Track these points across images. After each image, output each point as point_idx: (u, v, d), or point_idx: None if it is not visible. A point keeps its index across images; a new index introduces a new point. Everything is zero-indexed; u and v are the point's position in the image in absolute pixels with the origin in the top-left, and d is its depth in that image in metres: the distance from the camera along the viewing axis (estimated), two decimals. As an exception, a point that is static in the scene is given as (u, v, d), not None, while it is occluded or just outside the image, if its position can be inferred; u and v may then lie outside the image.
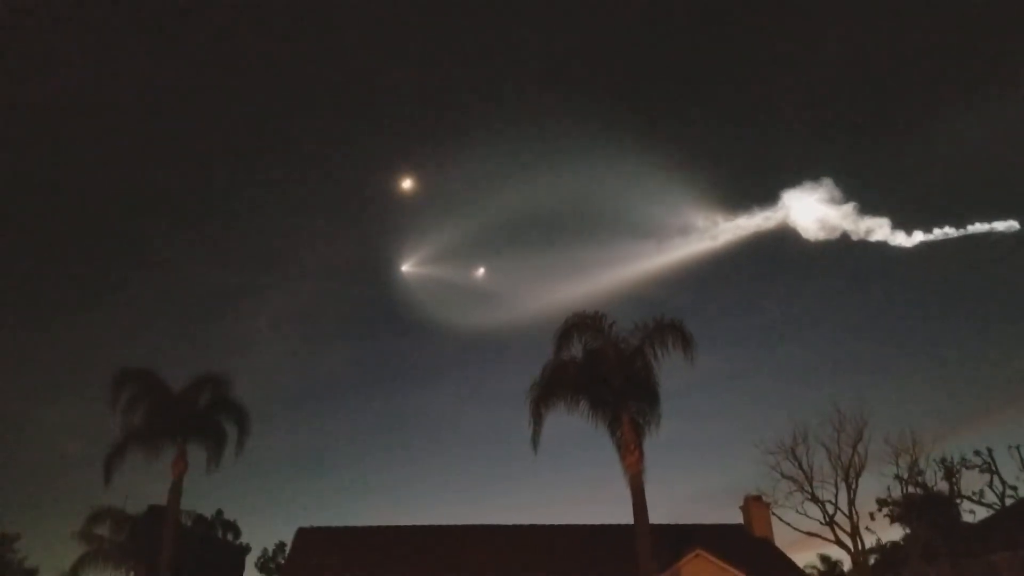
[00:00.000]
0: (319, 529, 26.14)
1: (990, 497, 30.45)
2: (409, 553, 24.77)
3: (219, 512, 35.99)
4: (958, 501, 30.33)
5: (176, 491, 20.81)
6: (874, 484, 32.09)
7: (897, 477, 29.93)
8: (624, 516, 18.86)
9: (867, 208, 43.84)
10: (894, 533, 32.09)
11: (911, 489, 29.86)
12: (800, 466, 29.96)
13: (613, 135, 48.21)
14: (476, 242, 46.57)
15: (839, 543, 29.61)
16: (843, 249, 46.31)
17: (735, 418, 54.24)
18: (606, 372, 18.84)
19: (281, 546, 37.63)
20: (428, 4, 50.91)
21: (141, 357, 47.84)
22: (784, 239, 45.30)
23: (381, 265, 52.44)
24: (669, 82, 59.34)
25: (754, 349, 55.29)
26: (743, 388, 53.11)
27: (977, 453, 30.89)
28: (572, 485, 51.51)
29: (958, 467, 30.58)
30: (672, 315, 19.25)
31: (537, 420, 18.64)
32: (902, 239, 43.66)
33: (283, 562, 32.09)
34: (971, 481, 30.67)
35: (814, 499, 29.66)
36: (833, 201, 43.20)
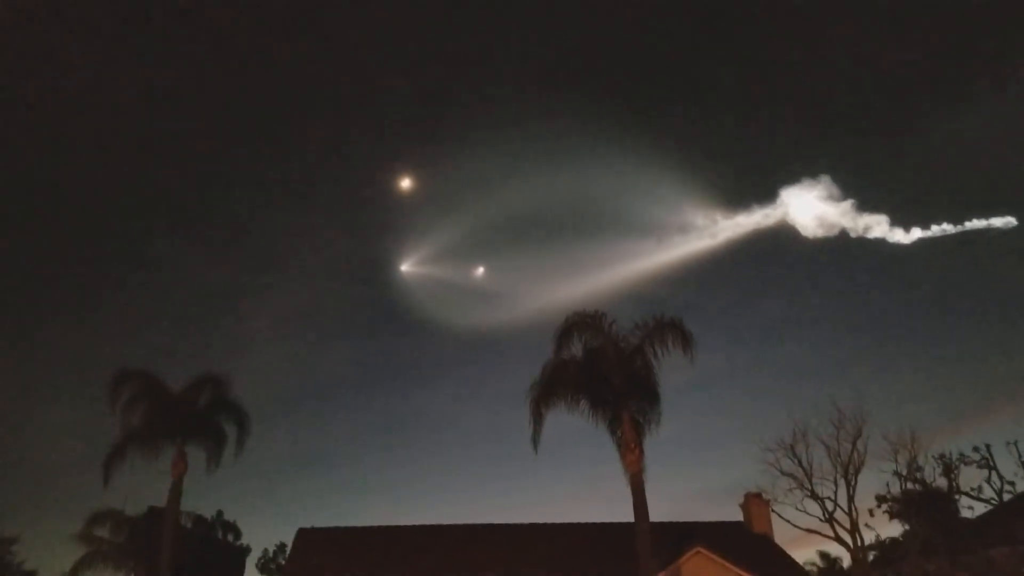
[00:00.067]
0: (319, 529, 26.12)
1: (988, 493, 30.57)
2: (409, 553, 24.78)
3: (219, 513, 35.99)
4: (957, 497, 30.43)
5: (176, 492, 20.77)
6: (873, 481, 32.17)
7: (896, 474, 30.01)
8: (624, 514, 18.92)
9: (865, 205, 43.96)
10: (893, 529, 32.20)
11: (910, 485, 29.94)
12: (799, 463, 30.03)
13: (613, 134, 48.19)
14: (476, 241, 46.56)
15: (838, 540, 29.68)
16: (842, 246, 46.41)
17: (735, 416, 54.32)
18: (606, 371, 18.87)
19: (281, 547, 37.62)
20: (428, 4, 50.87)
21: (141, 357, 47.84)
22: (783, 236, 45.36)
23: (381, 265, 52.39)
24: (668, 81, 59.37)
25: (753, 347, 55.36)
26: (743, 386, 53.13)
27: (975, 449, 30.99)
28: (572, 484, 51.56)
29: (956, 463, 30.68)
30: (672, 313, 19.32)
31: (537, 419, 18.67)
32: (900, 236, 43.79)
33: (283, 563, 32.10)
34: (969, 477, 30.78)
35: (813, 496, 29.73)
36: (832, 198, 43.32)
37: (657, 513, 19.02)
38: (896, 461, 29.86)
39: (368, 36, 52.03)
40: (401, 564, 24.11)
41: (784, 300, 56.74)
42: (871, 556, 32.74)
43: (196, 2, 48.40)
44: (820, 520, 29.70)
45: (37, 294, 51.80)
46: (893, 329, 54.67)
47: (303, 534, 25.87)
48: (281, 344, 55.61)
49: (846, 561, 34.47)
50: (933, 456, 30.33)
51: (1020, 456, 30.40)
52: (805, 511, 29.81)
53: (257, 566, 37.93)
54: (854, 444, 29.45)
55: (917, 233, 43.67)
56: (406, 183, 47.14)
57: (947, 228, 43.47)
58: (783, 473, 30.03)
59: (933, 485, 29.93)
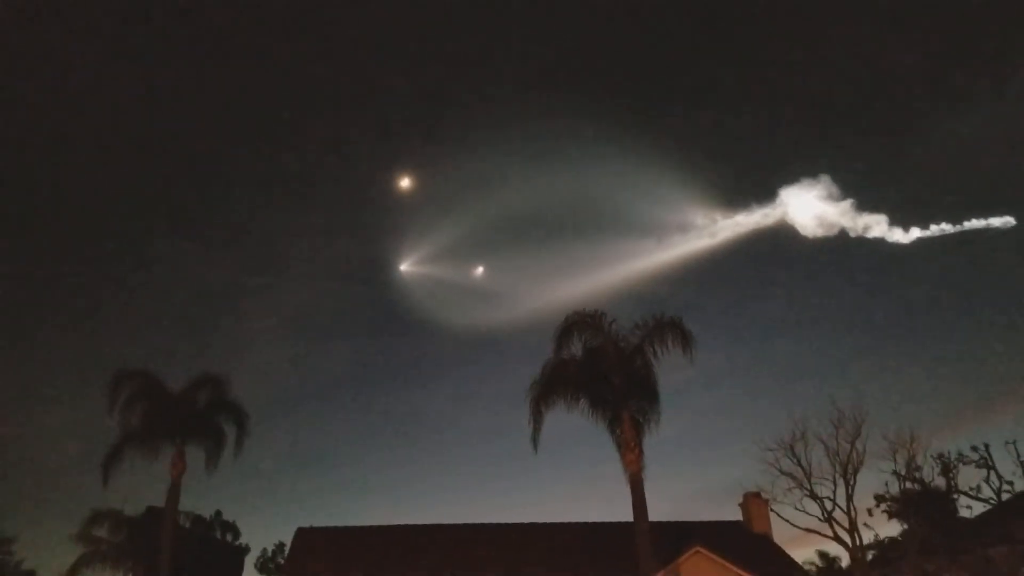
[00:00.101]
0: (318, 529, 26.10)
1: (987, 492, 30.46)
2: (408, 553, 24.77)
3: (218, 513, 35.99)
4: (955, 497, 30.37)
5: (175, 492, 20.77)
6: (872, 480, 32.11)
7: (895, 473, 29.93)
8: (624, 513, 18.94)
9: (865, 205, 43.99)
10: (892, 529, 32.17)
11: (909, 485, 29.90)
12: (799, 463, 29.96)
13: (612, 134, 48.17)
14: (475, 241, 46.51)
15: (837, 539, 29.66)
16: (841, 246, 46.43)
17: (734, 415, 54.43)
18: (606, 370, 18.90)
19: (280, 546, 37.60)
20: (427, 4, 50.83)
21: (141, 357, 47.63)
22: (782, 236, 45.37)
23: (380, 265, 52.32)
24: (667, 81, 59.36)
25: (753, 346, 55.36)
26: (742, 385, 53.17)
27: (974, 449, 30.87)
28: (572, 483, 51.65)
29: (955, 463, 30.60)
30: (671, 313, 19.35)
31: (537, 418, 18.70)
32: (899, 235, 43.83)
33: (282, 562, 32.08)
34: (968, 477, 30.67)
35: (812, 495, 29.67)
36: (831, 198, 43.34)
37: (656, 512, 19.08)
38: (895, 461, 29.83)
39: (368, 36, 52.01)
40: (400, 564, 24.10)
41: (783, 300, 56.76)
42: (870, 555, 32.76)
43: (196, 2, 48.37)
44: (819, 520, 29.69)
45: (37, 294, 51.78)
46: (892, 328, 54.76)
47: (302, 534, 25.84)
48: (281, 344, 55.61)
49: (845, 560, 34.57)
50: (932, 456, 30.26)
51: (1019, 456, 30.33)
52: (804, 510, 29.79)
53: (256, 566, 37.95)
54: (853, 443, 29.44)
55: (916, 233, 43.75)
56: (406, 183, 47.16)
57: (946, 228, 43.55)
58: (782, 472, 29.99)
59: (932, 485, 29.90)
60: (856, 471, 29.44)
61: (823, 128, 56.02)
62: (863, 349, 54.83)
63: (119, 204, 54.17)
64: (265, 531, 51.55)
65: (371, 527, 26.58)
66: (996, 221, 42.73)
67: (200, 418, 21.65)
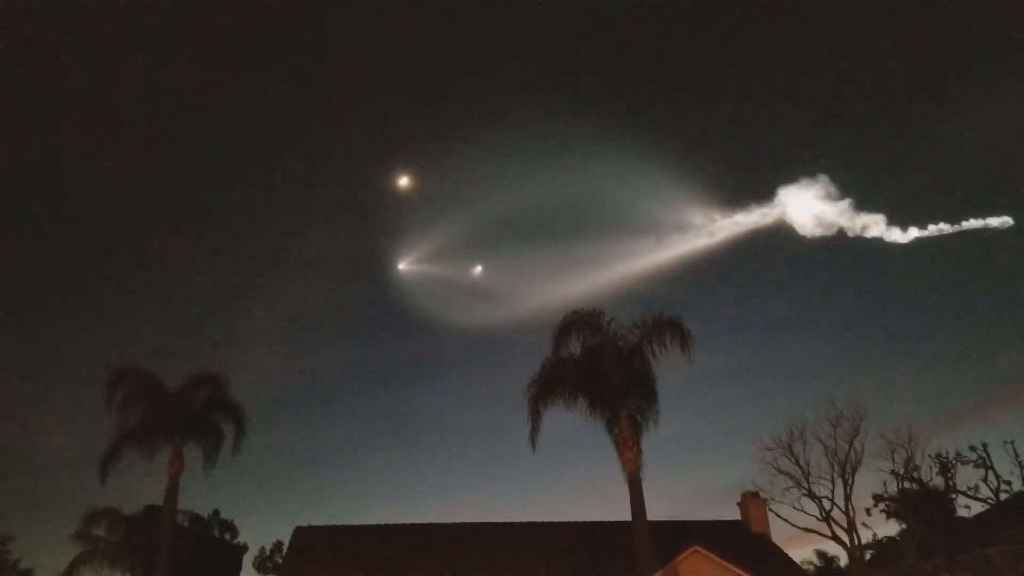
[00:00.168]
0: (317, 528, 26.07)
1: (985, 492, 30.63)
2: (407, 551, 24.75)
3: (216, 512, 35.95)
4: (953, 496, 30.48)
5: (173, 491, 20.73)
6: (870, 480, 32.16)
7: (893, 472, 30.04)
8: (622, 513, 18.91)
9: (863, 204, 44.05)
10: (890, 528, 32.26)
11: (907, 484, 29.98)
12: (797, 462, 30.07)
13: (610, 133, 48.17)
14: (473, 240, 46.53)
15: (836, 539, 29.72)
16: (839, 245, 46.50)
17: (732, 414, 54.48)
18: (604, 369, 18.89)
19: (279, 545, 37.60)
20: (427, 4, 50.78)
21: (140, 357, 47.61)
22: (781, 235, 45.44)
23: (379, 263, 52.39)
24: (666, 80, 59.40)
25: (751, 345, 55.39)
26: (740, 384, 53.19)
27: (972, 448, 31.04)
28: (570, 482, 51.68)
29: (953, 462, 30.71)
30: (670, 312, 19.34)
31: (536, 418, 18.69)
32: (897, 235, 43.88)
33: (281, 561, 32.05)
34: (966, 476, 30.83)
35: (811, 495, 29.76)
36: (829, 197, 43.39)
37: (655, 512, 19.06)
38: (893, 460, 29.93)
39: (368, 36, 51.97)
40: (399, 563, 24.08)
41: (782, 299, 56.87)
42: (868, 555, 32.81)
43: (196, 2, 48.30)
44: (817, 519, 29.78)
45: (37, 294, 51.74)
46: (890, 328, 54.81)
47: (300, 532, 25.81)
48: (279, 343, 55.62)
49: (843, 560, 34.58)
50: (930, 455, 30.38)
51: (1017, 455, 30.49)
52: (802, 510, 29.89)
53: (254, 565, 37.95)
54: (851, 443, 29.52)
55: (914, 232, 43.81)
56: (404, 182, 47.20)
57: (944, 227, 43.61)
58: (780, 472, 30.10)
59: (930, 484, 29.98)
60: (854, 470, 29.53)
61: (821, 128, 56.17)
62: (861, 348, 54.99)
63: (119, 204, 54.17)
64: (263, 530, 51.39)
65: (369, 526, 26.55)
66: (994, 221, 42.82)
67: (198, 417, 21.61)
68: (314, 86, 54.58)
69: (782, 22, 53.00)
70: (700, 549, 22.74)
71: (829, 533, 29.67)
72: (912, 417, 61.07)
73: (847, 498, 29.44)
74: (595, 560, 23.86)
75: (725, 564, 22.71)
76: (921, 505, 29.08)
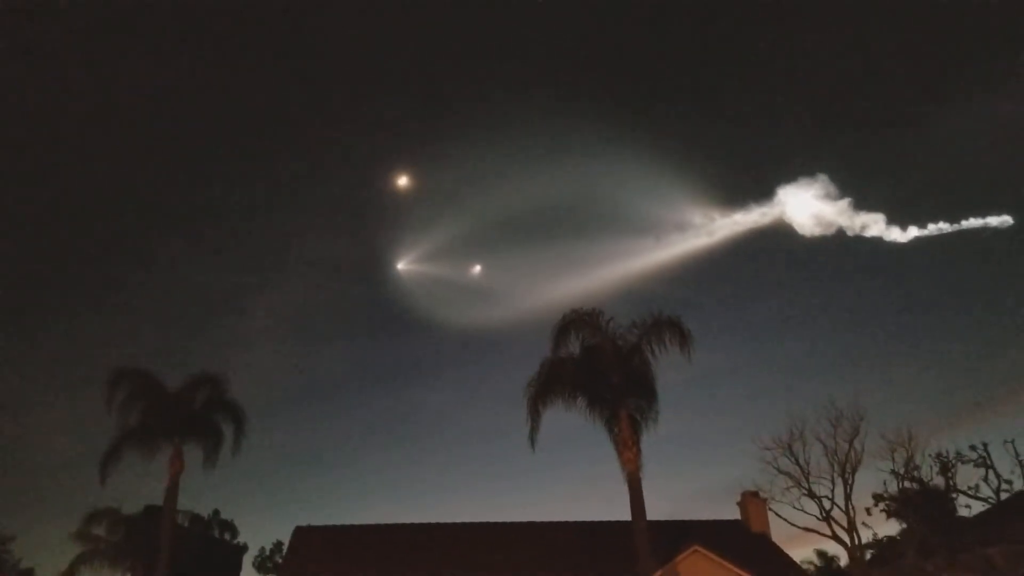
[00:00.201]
0: (317, 528, 26.07)
1: (985, 491, 30.54)
2: (407, 551, 24.75)
3: (216, 512, 35.94)
4: (954, 496, 30.41)
5: (173, 491, 20.74)
6: (870, 479, 32.14)
7: (893, 472, 30.01)
8: (622, 512, 18.90)
9: (862, 204, 44.08)
10: (890, 528, 32.21)
11: (907, 484, 29.94)
12: (797, 462, 30.07)
13: (610, 132, 48.26)
14: (472, 239, 46.58)
15: (836, 538, 29.71)
16: (839, 245, 46.53)
17: (732, 414, 54.39)
18: (604, 369, 18.88)
19: (279, 545, 37.59)
20: (427, 3, 50.82)
21: (140, 357, 47.76)
22: (780, 235, 45.50)
23: (378, 263, 52.39)
24: (665, 79, 59.43)
25: (751, 345, 55.39)
26: (740, 384, 53.18)
27: (972, 448, 30.94)
28: (570, 482, 51.63)
29: (954, 462, 30.64)
30: (669, 311, 19.33)
31: (535, 417, 18.67)
32: (897, 234, 43.90)
33: (281, 561, 32.04)
34: (967, 476, 30.75)
35: (811, 495, 29.75)
36: (829, 197, 43.41)
37: (655, 512, 19.06)
38: (893, 460, 29.91)
39: (368, 36, 52.01)
40: (399, 562, 24.08)
41: (781, 298, 56.85)
42: (868, 555, 32.78)
43: (196, 2, 48.34)
44: (817, 519, 29.76)
45: (37, 294, 51.78)
46: (890, 327, 54.80)
47: (300, 532, 25.82)
48: (278, 343, 55.65)
49: (844, 560, 34.55)
50: (930, 455, 30.33)
51: (1017, 455, 30.41)
52: (803, 510, 29.89)
53: (254, 564, 37.93)
54: (851, 442, 29.52)
55: (914, 231, 43.83)
56: (403, 181, 47.23)
57: (944, 227, 43.61)
58: (780, 472, 30.09)
59: (930, 484, 29.94)
60: (854, 470, 29.53)
61: (821, 127, 56.16)
62: (861, 348, 54.96)
63: (119, 204, 54.21)
64: (263, 530, 51.43)
65: (369, 526, 26.55)
66: (994, 220, 42.81)
67: (198, 417, 21.62)
68: (314, 86, 54.67)
69: (782, 22, 53.03)
70: (700, 549, 22.73)
71: (829, 533, 29.67)
72: (912, 416, 61.19)
73: (847, 498, 29.46)
74: (595, 560, 23.84)
75: (725, 564, 22.69)
76: (921, 505, 29.05)
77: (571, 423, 19.52)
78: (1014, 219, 42.52)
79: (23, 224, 48.43)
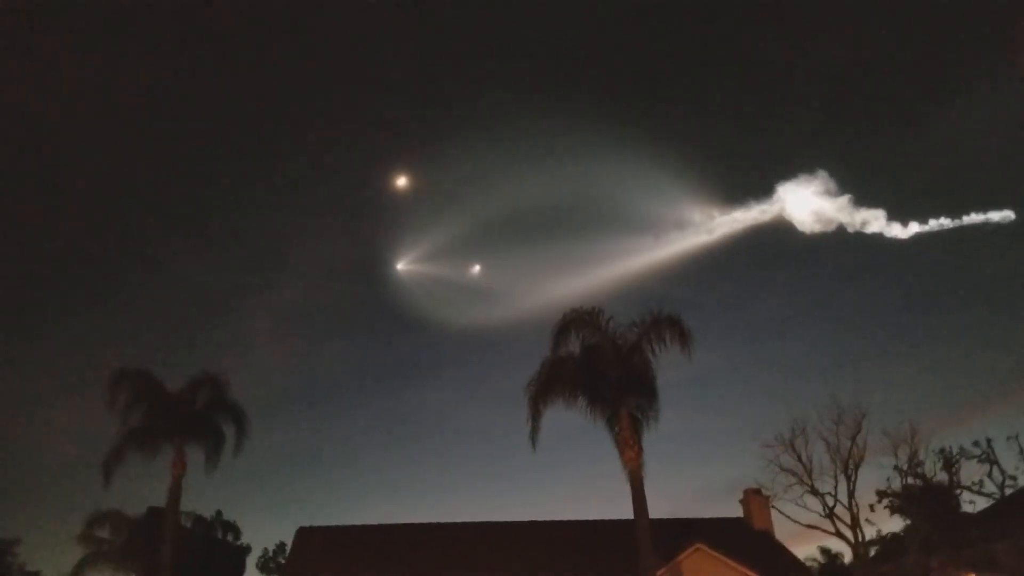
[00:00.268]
0: (319, 528, 26.12)
1: (990, 487, 30.43)
2: (409, 551, 24.77)
3: (218, 513, 35.92)
4: (958, 492, 30.29)
5: (175, 492, 20.78)
6: (873, 476, 31.97)
7: (896, 468, 29.87)
8: (624, 511, 18.91)
9: (862, 200, 43.85)
10: (894, 524, 32.06)
11: (910, 480, 29.84)
12: (799, 459, 29.90)
13: (609, 131, 48.08)
14: (472, 239, 46.51)
15: (839, 535, 29.62)
16: (839, 241, 46.28)
17: (734, 412, 54.21)
18: (604, 368, 18.86)
19: (281, 546, 37.59)
20: (427, 3, 50.83)
21: (140, 358, 47.73)
22: (780, 232, 45.28)
23: (378, 263, 52.36)
24: (664, 78, 59.39)
25: (752, 342, 55.30)
26: (741, 381, 53.04)
27: (976, 443, 30.83)
28: (571, 481, 51.56)
29: (957, 458, 30.54)
30: (669, 310, 19.30)
31: (535, 416, 18.67)
32: (898, 230, 43.69)
33: (284, 562, 32.09)
34: (970, 471, 30.62)
35: (814, 492, 29.63)
36: (828, 193, 43.21)
37: (657, 510, 19.04)
38: (896, 456, 29.76)
39: (367, 36, 52.02)
40: (401, 562, 24.11)
41: (782, 296, 56.72)
42: (872, 551, 32.68)
43: (196, 2, 48.41)
44: (820, 516, 29.63)
45: (37, 294, 51.90)
46: (891, 324, 54.71)
47: (303, 533, 25.87)
48: (279, 343, 55.67)
49: (847, 556, 34.46)
50: (934, 451, 30.21)
51: (1021, 450, 30.27)
52: (805, 507, 29.75)
53: (257, 565, 37.95)
54: (854, 439, 29.37)
55: (915, 227, 43.60)
56: (403, 181, 47.15)
57: (945, 222, 43.40)
58: (783, 469, 29.93)
59: (934, 480, 29.83)
60: (857, 467, 29.40)
61: (820, 124, 55.96)
62: (863, 344, 54.80)
63: (119, 204, 54.31)
64: (266, 531, 51.62)
65: (371, 526, 26.60)
66: (995, 215, 42.59)
67: (199, 418, 21.64)
68: (314, 86, 54.69)
69: (781, 18, 52.91)
70: (703, 547, 22.70)
71: (833, 530, 29.57)
72: (915, 412, 60.95)
73: (850, 495, 29.33)
74: (597, 559, 23.83)
75: (728, 562, 22.66)
76: (925, 501, 28.93)
77: (572, 422, 19.56)
78: (1016, 214, 42.34)
79: (23, 224, 48.54)
